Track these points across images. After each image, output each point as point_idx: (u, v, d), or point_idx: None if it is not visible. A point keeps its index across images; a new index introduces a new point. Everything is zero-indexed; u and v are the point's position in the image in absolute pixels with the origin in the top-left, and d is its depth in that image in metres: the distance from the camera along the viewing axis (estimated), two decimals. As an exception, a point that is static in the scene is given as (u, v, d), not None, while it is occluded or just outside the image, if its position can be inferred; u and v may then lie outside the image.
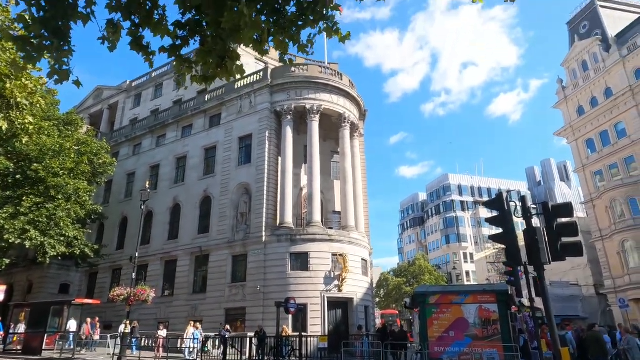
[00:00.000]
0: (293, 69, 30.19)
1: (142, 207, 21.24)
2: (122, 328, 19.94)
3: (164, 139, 35.10)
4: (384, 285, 64.31)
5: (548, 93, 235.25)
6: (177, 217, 31.43)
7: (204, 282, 27.97)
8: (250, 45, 4.26)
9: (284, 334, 20.78)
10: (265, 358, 18.95)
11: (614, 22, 41.68)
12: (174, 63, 4.55)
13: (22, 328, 22.38)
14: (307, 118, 29.19)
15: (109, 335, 22.11)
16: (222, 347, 20.08)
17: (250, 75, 31.16)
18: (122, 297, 19.39)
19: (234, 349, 19.95)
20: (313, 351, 20.18)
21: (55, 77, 3.97)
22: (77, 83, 4.36)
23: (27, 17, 3.86)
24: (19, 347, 21.47)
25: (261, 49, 4.31)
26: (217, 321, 25.12)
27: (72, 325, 21.45)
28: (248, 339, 20.48)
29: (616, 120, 37.19)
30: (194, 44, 4.48)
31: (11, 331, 22.58)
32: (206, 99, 33.30)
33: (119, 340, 19.71)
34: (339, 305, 25.49)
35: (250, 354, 19.89)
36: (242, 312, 25.24)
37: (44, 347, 20.17)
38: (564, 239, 8.45)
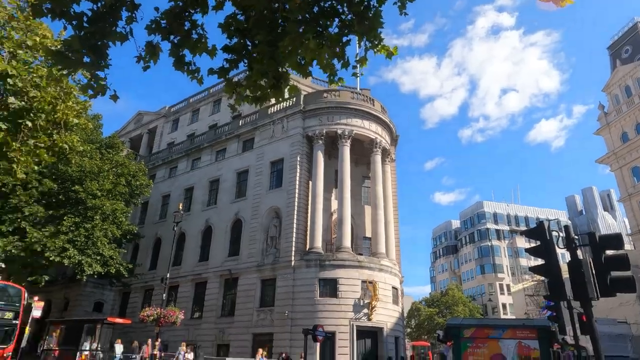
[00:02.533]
0: (325, 94, 30.57)
1: (175, 229, 21.61)
2: (144, 348, 20.17)
3: (198, 162, 36.00)
4: (415, 316, 62.14)
5: (593, 119, 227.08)
6: (208, 240, 31.77)
7: (232, 306, 27.86)
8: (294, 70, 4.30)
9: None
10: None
11: (659, 46, 40.14)
12: (224, 85, 4.60)
13: (52, 344, 22.83)
14: (338, 143, 29.26)
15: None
16: None
17: (283, 100, 31.73)
18: (152, 317, 19.57)
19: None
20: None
21: (90, 91, 4.06)
22: (114, 97, 4.42)
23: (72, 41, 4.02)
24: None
25: (304, 71, 4.30)
26: (244, 346, 24.81)
27: (118, 349, 21.63)
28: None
29: (664, 148, 35.25)
30: (244, 66, 4.53)
31: (41, 347, 23.09)
32: (240, 124, 34.09)
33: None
34: (368, 334, 24.70)
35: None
36: (270, 338, 24.83)
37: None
38: (614, 273, 7.84)
